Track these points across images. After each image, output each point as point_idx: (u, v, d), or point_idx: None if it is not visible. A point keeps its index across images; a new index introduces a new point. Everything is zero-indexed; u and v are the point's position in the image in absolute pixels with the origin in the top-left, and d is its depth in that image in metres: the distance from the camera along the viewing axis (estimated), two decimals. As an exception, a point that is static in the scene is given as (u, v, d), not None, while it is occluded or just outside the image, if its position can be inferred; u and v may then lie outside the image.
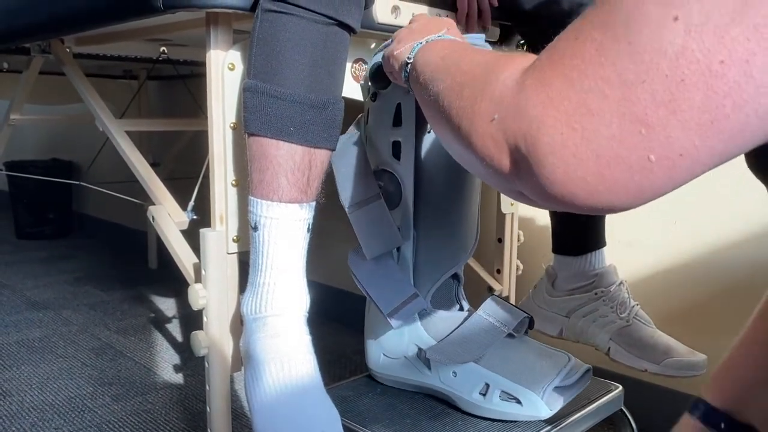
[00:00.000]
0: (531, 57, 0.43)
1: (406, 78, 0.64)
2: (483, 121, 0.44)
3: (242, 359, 0.78)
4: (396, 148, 0.81)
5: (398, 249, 0.83)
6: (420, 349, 0.84)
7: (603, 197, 0.38)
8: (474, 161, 0.46)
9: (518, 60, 0.44)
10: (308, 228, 0.78)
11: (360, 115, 0.86)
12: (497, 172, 0.43)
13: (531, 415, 0.77)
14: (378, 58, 0.80)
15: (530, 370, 0.78)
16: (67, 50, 1.30)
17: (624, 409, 0.95)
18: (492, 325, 0.81)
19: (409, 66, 0.63)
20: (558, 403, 0.77)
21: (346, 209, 0.81)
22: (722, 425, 0.59)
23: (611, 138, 0.36)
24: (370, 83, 0.81)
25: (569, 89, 0.38)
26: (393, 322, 0.80)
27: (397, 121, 0.80)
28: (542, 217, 1.33)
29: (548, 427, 0.78)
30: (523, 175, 0.41)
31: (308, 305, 0.78)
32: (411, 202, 0.81)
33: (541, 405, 0.76)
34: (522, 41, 1.19)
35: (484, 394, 0.78)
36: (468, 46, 0.58)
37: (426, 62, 0.60)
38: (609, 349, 1.05)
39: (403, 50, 0.66)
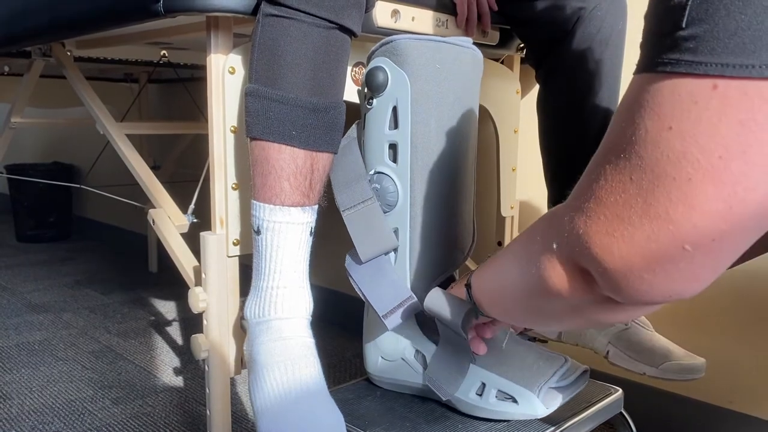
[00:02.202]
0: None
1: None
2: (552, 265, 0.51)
3: (246, 363, 0.78)
4: (392, 151, 0.82)
5: (395, 250, 0.83)
6: (417, 351, 0.84)
7: (664, 288, 0.43)
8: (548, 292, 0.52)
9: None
10: (311, 231, 0.78)
11: (357, 121, 0.86)
12: (577, 292, 0.49)
13: (527, 413, 0.77)
14: (373, 63, 0.81)
15: (526, 370, 0.78)
16: (68, 53, 1.30)
17: (624, 412, 0.95)
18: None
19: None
20: (555, 402, 0.78)
21: (341, 211, 0.81)
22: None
23: (648, 238, 0.41)
24: (366, 88, 0.82)
25: (600, 206, 0.44)
26: (388, 323, 0.80)
27: (393, 124, 0.81)
28: (542, 220, 1.33)
29: (548, 430, 0.78)
30: (603, 287, 0.46)
31: (312, 309, 0.78)
32: (408, 203, 0.82)
33: (537, 403, 0.76)
34: (521, 45, 1.20)
35: (480, 394, 0.79)
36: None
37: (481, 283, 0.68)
38: (608, 352, 1.05)
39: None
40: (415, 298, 0.82)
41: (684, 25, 0.38)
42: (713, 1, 0.37)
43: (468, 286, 0.70)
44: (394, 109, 0.80)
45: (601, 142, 0.46)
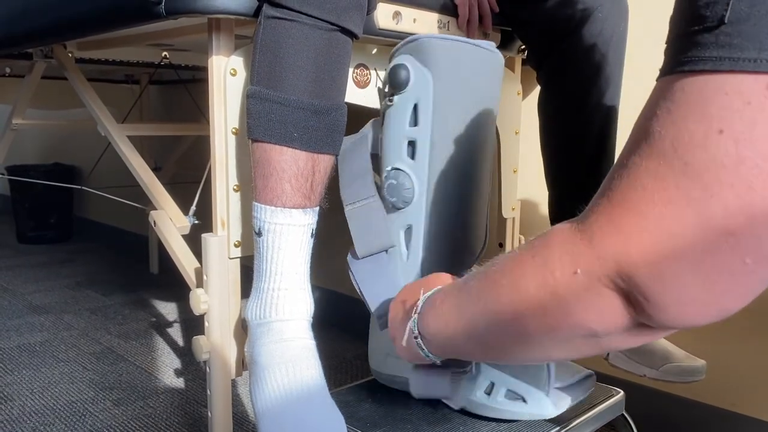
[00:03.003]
0: (563, 230, 0.45)
1: (424, 352, 0.63)
2: (572, 303, 0.44)
3: (247, 364, 0.78)
4: (411, 148, 0.82)
5: (408, 247, 0.83)
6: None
7: (716, 305, 0.39)
8: (581, 334, 0.46)
9: (556, 246, 0.45)
10: (312, 233, 0.78)
11: (373, 119, 0.87)
12: (611, 321, 0.43)
13: (536, 413, 0.76)
14: (396, 60, 0.81)
15: (535, 369, 0.78)
16: (69, 55, 1.30)
17: (625, 414, 0.95)
18: None
19: (420, 339, 0.62)
20: (564, 402, 0.77)
21: (344, 206, 0.82)
22: None
23: (704, 252, 0.37)
24: (387, 86, 0.82)
25: (643, 221, 0.39)
26: (380, 323, 0.80)
27: (414, 121, 0.81)
28: (543, 221, 1.33)
29: (550, 432, 0.78)
30: (640, 311, 0.42)
31: (313, 310, 0.78)
32: (424, 200, 0.82)
33: (547, 403, 0.76)
34: (522, 46, 1.20)
35: (489, 393, 0.78)
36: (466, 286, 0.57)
37: (444, 324, 0.59)
38: (608, 354, 1.05)
39: (408, 329, 0.64)
40: None
41: (727, 20, 0.35)
42: None
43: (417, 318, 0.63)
44: (415, 106, 0.81)
45: (624, 151, 0.41)
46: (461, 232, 0.85)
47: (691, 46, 0.37)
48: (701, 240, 0.37)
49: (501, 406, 0.78)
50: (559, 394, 0.77)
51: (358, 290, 0.82)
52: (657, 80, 0.39)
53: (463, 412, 0.81)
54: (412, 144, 0.82)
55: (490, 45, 0.83)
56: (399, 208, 0.82)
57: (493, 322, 0.52)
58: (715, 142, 0.35)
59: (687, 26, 0.38)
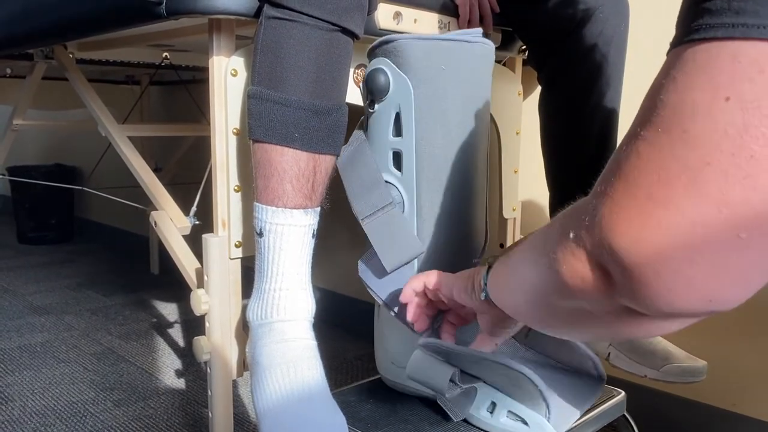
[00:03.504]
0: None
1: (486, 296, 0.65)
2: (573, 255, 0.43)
3: (249, 365, 0.78)
4: (397, 159, 0.79)
5: None
6: None
7: (704, 289, 0.37)
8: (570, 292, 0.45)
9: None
10: (313, 234, 0.78)
11: (360, 121, 0.85)
12: (595, 294, 0.42)
13: None
14: (374, 64, 0.79)
15: (531, 394, 0.76)
16: (70, 56, 1.31)
17: (627, 415, 0.95)
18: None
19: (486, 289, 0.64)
20: (564, 424, 0.76)
21: (360, 221, 0.78)
22: None
23: (693, 223, 0.35)
24: (366, 92, 0.80)
25: (630, 187, 0.38)
26: (422, 338, 0.77)
27: (396, 131, 0.78)
28: (544, 221, 1.33)
29: (551, 433, 0.78)
30: (621, 287, 0.40)
31: (314, 311, 0.78)
32: (415, 213, 0.79)
33: (548, 428, 0.75)
34: (523, 47, 1.20)
35: (491, 412, 0.78)
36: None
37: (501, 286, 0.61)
38: (609, 354, 1.05)
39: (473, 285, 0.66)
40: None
41: None
42: None
43: (488, 270, 0.64)
44: (397, 115, 0.77)
45: (633, 122, 0.40)
46: (458, 239, 0.83)
47: (703, 12, 0.35)
48: (692, 209, 0.35)
49: (503, 426, 0.76)
50: (559, 415, 0.76)
51: (378, 299, 0.80)
52: (667, 53, 0.38)
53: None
54: (397, 155, 0.78)
55: (476, 33, 0.79)
56: None
57: (519, 278, 0.54)
58: (720, 109, 0.34)
59: None
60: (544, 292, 0.49)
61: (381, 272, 0.79)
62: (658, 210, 0.36)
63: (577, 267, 0.42)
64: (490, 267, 0.64)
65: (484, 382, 0.78)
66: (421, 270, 0.82)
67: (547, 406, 0.74)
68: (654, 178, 0.36)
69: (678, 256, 0.36)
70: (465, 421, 0.81)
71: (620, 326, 0.45)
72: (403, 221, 0.78)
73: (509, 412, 0.77)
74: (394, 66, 0.77)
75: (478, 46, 0.79)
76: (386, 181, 0.79)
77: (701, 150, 0.34)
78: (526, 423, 0.76)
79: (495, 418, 0.77)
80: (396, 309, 0.79)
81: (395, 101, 0.77)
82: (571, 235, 0.42)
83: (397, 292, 0.77)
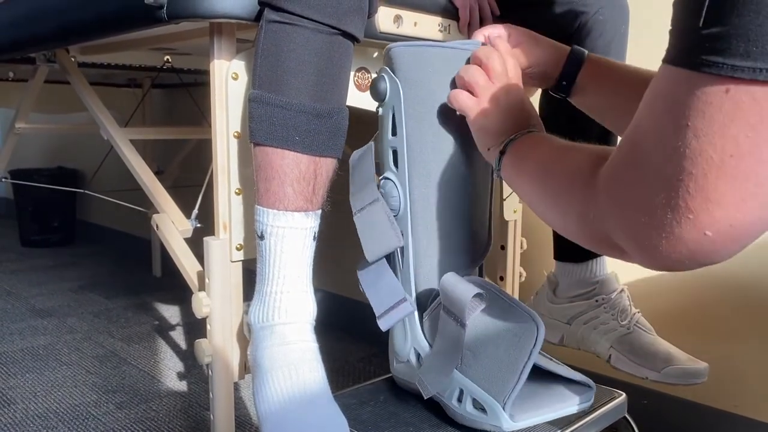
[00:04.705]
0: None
1: (498, 170, 0.72)
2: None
3: (250, 368, 0.79)
4: (395, 157, 0.82)
5: (401, 254, 0.83)
6: (418, 354, 0.84)
7: (685, 252, 0.45)
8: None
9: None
10: (314, 236, 0.79)
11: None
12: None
13: (495, 425, 0.75)
14: (380, 71, 0.82)
15: (504, 378, 0.75)
16: (72, 59, 1.31)
17: (627, 417, 0.95)
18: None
19: (502, 159, 0.72)
20: (527, 417, 0.76)
21: (353, 215, 0.82)
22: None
23: (671, 224, 0.44)
24: (373, 96, 0.83)
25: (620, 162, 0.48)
26: (382, 324, 0.80)
27: (393, 131, 0.82)
28: (544, 224, 1.33)
29: (551, 435, 0.78)
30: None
31: (315, 313, 0.78)
32: (409, 210, 0.82)
33: (503, 416, 0.74)
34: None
35: (460, 401, 0.78)
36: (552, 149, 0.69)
37: (520, 160, 0.71)
38: (610, 356, 1.05)
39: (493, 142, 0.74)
40: (408, 300, 0.81)
41: (702, 24, 0.39)
42: (728, 1, 0.37)
43: (510, 141, 0.72)
44: (393, 116, 0.81)
45: (631, 123, 0.47)
46: (456, 236, 0.84)
47: (680, 40, 0.42)
48: (669, 216, 0.43)
49: (470, 415, 0.77)
50: (522, 408, 0.76)
51: (364, 292, 0.82)
52: (669, 64, 0.43)
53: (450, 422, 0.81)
54: (395, 153, 0.82)
55: (475, 44, 0.82)
56: (394, 216, 0.82)
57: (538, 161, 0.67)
58: (683, 134, 0.41)
59: (679, 21, 0.41)
60: (558, 186, 0.62)
61: (366, 264, 0.82)
62: (648, 218, 0.46)
63: (592, 233, 0.55)
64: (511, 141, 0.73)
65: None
66: (415, 265, 0.83)
67: (514, 388, 0.74)
68: (641, 193, 0.46)
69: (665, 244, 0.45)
70: (454, 421, 0.81)
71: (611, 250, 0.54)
72: (383, 215, 0.81)
73: (473, 399, 0.77)
74: (390, 71, 0.81)
75: (469, 52, 0.81)
76: (387, 178, 0.83)
77: (672, 169, 0.42)
78: (484, 411, 0.76)
79: (462, 407, 0.78)
80: (374, 302, 0.81)
81: (391, 103, 0.81)
82: (589, 213, 0.53)
83: (383, 294, 0.80)
